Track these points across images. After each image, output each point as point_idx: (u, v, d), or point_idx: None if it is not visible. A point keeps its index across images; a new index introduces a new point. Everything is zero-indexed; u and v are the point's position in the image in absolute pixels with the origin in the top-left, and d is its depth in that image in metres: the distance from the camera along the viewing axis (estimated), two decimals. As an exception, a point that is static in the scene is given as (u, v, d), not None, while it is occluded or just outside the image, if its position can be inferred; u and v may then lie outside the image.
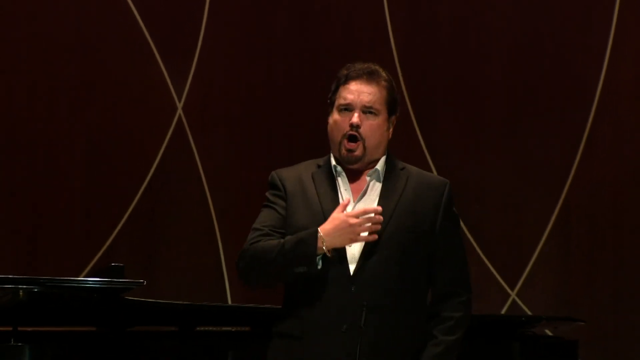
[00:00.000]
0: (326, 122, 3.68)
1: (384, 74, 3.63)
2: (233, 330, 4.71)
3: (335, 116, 3.61)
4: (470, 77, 7.28)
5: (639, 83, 7.25)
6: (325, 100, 3.59)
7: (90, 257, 6.97)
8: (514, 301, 7.19)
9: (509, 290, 7.20)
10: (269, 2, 7.23)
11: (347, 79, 3.60)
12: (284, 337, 3.54)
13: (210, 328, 4.71)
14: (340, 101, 3.60)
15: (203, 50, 7.16)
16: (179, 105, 7.14)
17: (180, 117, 7.13)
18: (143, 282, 4.10)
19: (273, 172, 3.67)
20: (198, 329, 4.66)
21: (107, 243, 6.99)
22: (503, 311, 7.13)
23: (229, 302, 6.86)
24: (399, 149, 7.05)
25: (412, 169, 3.67)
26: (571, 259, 7.19)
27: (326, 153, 3.75)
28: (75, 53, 7.08)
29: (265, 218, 3.60)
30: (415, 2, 7.31)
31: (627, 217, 7.20)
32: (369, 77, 3.60)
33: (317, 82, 7.09)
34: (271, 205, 3.62)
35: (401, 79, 7.19)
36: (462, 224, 7.16)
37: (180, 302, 4.49)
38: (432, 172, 7.11)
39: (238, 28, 7.22)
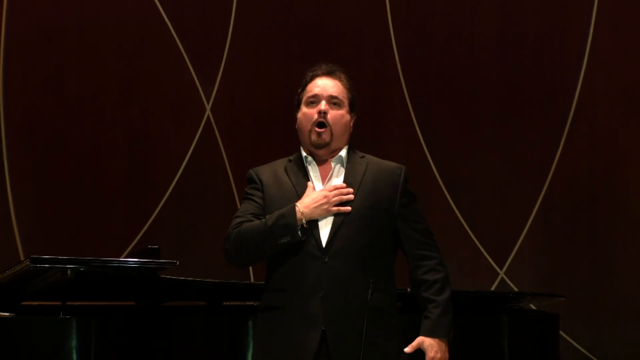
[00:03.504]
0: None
1: (344, 75, 3.65)
2: (255, 304, 4.70)
3: (303, 110, 3.62)
4: (463, 80, 7.27)
5: (614, 84, 7.24)
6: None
7: (130, 240, 6.99)
8: (502, 279, 7.18)
9: (498, 270, 7.19)
10: (287, 17, 7.23)
11: (312, 78, 3.63)
12: (268, 310, 3.51)
13: (235, 302, 4.72)
14: (308, 94, 3.61)
15: (228, 61, 7.17)
16: (208, 107, 7.15)
17: (208, 117, 7.14)
18: (176, 262, 4.07)
19: (249, 170, 3.65)
20: (224, 303, 4.68)
21: (145, 228, 7.01)
22: (493, 288, 7.13)
23: (252, 279, 6.87)
24: (400, 142, 7.10)
25: (371, 157, 3.65)
26: (553, 242, 7.19)
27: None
28: (117, 62, 7.10)
29: (245, 208, 3.57)
30: (414, 16, 7.31)
31: (603, 204, 7.18)
32: (332, 74, 3.63)
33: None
34: (249, 197, 3.60)
35: (403, 82, 7.18)
36: (455, 209, 7.22)
37: (209, 280, 4.49)
38: (429, 162, 7.12)
39: (259, 40, 7.22)
